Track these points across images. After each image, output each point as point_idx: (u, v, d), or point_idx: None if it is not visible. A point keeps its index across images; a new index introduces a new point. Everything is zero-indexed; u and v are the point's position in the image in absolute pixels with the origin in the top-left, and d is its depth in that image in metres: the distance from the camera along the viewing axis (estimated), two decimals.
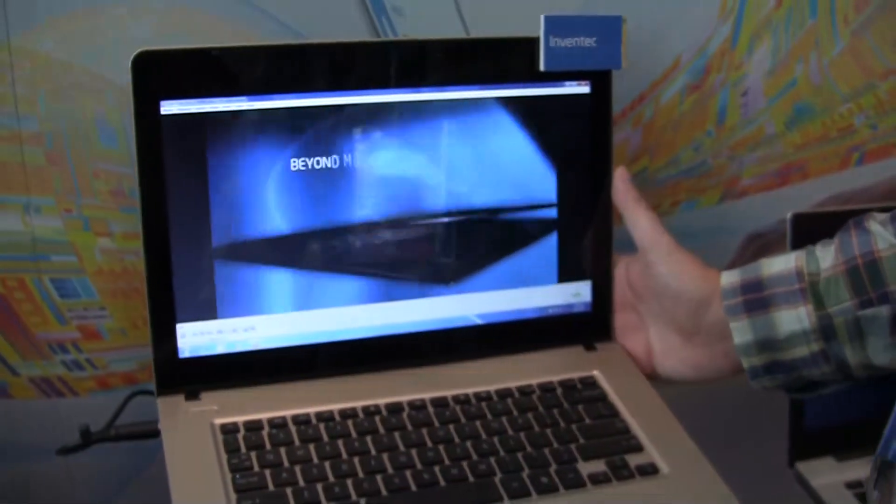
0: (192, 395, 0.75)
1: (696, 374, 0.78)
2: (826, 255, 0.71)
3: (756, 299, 0.71)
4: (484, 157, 0.79)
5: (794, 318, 0.70)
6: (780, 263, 0.72)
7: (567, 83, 0.80)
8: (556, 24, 0.76)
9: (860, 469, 0.87)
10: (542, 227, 0.81)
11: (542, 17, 0.75)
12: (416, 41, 0.79)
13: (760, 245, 1.00)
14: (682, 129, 0.95)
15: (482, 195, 0.80)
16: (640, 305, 0.81)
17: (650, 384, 0.79)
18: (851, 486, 0.85)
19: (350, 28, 0.83)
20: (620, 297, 0.82)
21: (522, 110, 0.79)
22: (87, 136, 0.80)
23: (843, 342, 0.70)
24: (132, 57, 0.70)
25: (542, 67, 0.76)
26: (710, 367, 0.77)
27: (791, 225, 0.82)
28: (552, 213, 0.81)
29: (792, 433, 0.86)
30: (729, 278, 0.73)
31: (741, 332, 0.72)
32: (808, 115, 0.98)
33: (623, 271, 0.82)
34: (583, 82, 0.80)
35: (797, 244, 0.76)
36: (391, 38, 0.84)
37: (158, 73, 0.71)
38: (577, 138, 0.81)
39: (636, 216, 0.78)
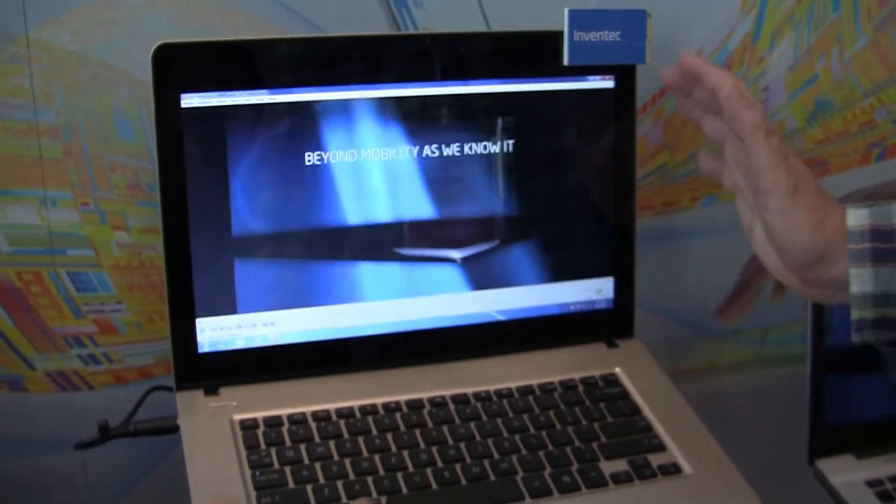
0: (211, 391, 0.74)
1: (783, 279, 0.68)
2: None
3: (886, 249, 0.63)
4: (506, 151, 0.78)
5: None
6: None
7: (591, 78, 0.79)
8: (581, 18, 0.74)
9: (880, 467, 0.86)
10: (565, 223, 0.81)
11: (566, 11, 0.74)
12: (438, 35, 0.79)
13: None
14: None
15: (504, 190, 0.79)
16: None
17: (672, 381, 0.79)
18: (871, 484, 0.85)
19: (370, 21, 0.82)
20: (740, 187, 0.70)
21: (546, 105, 0.79)
22: (104, 129, 0.79)
23: None
24: (153, 50, 0.70)
25: (565, 62, 0.75)
26: (797, 286, 0.68)
27: None
28: (575, 208, 0.81)
29: (812, 430, 0.86)
30: (857, 219, 0.64)
31: (861, 280, 0.63)
32: (829, 110, 0.97)
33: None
34: (607, 77, 0.79)
35: None
36: (412, 31, 0.83)
37: (179, 66, 0.71)
38: (600, 133, 0.80)
39: (756, 146, 0.64)
